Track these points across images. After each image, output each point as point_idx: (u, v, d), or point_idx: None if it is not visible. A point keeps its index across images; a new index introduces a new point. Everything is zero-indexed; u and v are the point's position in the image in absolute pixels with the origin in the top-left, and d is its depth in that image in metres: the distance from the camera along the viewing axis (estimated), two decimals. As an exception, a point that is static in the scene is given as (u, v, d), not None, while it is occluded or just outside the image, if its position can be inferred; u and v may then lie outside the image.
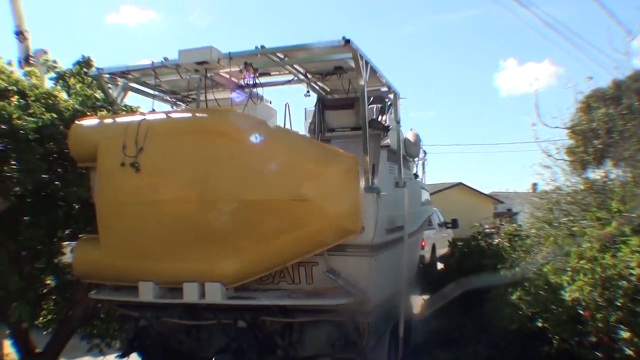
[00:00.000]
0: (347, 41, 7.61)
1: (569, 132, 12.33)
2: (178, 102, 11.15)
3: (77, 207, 10.13)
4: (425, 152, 14.42)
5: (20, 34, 12.74)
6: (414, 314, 12.93)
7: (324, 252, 7.94)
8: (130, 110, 10.65)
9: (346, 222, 7.66)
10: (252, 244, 7.91)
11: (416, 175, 13.78)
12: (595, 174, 12.34)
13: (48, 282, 10.93)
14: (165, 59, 8.70)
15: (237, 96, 9.70)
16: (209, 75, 8.85)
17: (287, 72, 9.73)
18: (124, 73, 9.56)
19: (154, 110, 9.52)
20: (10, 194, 9.61)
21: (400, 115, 10.79)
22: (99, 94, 10.66)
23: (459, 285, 11.59)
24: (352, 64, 8.31)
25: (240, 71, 8.79)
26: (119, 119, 8.95)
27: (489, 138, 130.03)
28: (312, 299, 8.12)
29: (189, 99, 11.09)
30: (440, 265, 17.34)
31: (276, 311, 8.26)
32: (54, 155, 9.79)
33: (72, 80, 10.84)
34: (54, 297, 11.32)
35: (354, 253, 8.07)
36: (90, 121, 9.16)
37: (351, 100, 10.64)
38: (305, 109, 12.14)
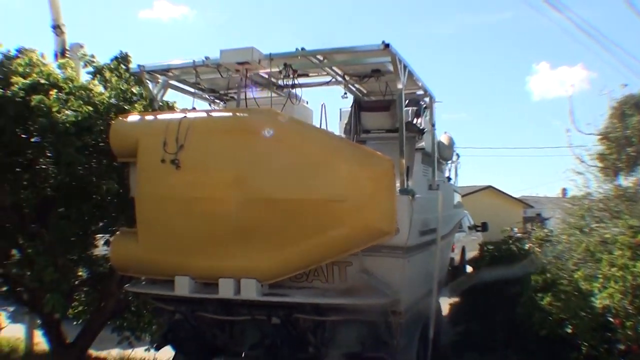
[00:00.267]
0: (387, 45, 7.93)
1: (601, 138, 12.48)
2: (216, 100, 11.47)
3: (110, 200, 10.40)
4: (458, 155, 14.64)
5: (57, 28, 13.18)
6: (443, 315, 13.24)
7: (358, 252, 8.14)
8: (167, 106, 10.98)
9: (381, 223, 7.84)
10: (288, 242, 8.12)
11: (449, 178, 14.06)
12: (627, 181, 12.51)
13: (80, 274, 11.30)
14: (207, 58, 9.02)
15: (276, 96, 10.04)
16: (248, 75, 9.14)
17: (325, 73, 10.02)
18: (164, 71, 9.90)
19: (194, 108, 9.84)
20: (46, 187, 10.06)
21: (435, 118, 11.08)
22: (135, 89, 10.97)
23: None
24: (391, 68, 8.63)
25: (280, 72, 9.12)
26: (160, 116, 9.28)
27: (520, 142, 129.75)
28: (345, 298, 8.36)
29: (227, 97, 11.39)
30: (469, 268, 17.58)
31: (309, 309, 8.48)
32: (90, 149, 10.09)
33: (108, 74, 11.10)
34: (86, 289, 11.68)
35: (388, 254, 8.28)
36: (131, 117, 9.49)
37: (387, 103, 10.97)
38: (341, 109, 12.49)
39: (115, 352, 12.63)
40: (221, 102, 11.55)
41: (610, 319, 9.20)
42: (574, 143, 12.90)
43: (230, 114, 9.52)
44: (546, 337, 10.14)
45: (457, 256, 17.31)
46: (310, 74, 10.22)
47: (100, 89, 10.84)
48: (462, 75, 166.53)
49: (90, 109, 9.88)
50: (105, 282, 11.32)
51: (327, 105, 11.21)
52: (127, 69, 11.16)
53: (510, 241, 15.15)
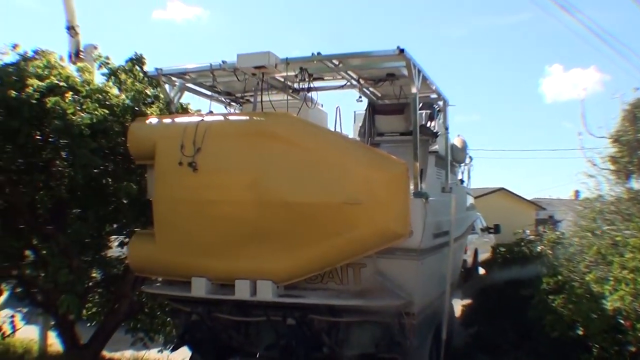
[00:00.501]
0: (402, 50, 8.22)
1: (613, 140, 12.68)
2: (232, 103, 11.75)
3: (125, 202, 10.70)
4: (471, 158, 14.92)
5: (71, 29, 13.46)
6: (455, 317, 13.51)
7: (372, 255, 8.42)
8: (181, 108, 11.23)
9: (395, 226, 8.11)
10: (304, 244, 8.40)
11: (462, 181, 14.34)
12: (639, 184, 12.48)
13: (94, 275, 11.58)
14: (224, 62, 9.31)
15: (291, 99, 10.35)
16: (265, 78, 9.44)
17: (341, 77, 10.35)
18: (182, 74, 10.22)
19: (211, 111, 10.12)
20: (61, 188, 10.34)
21: (449, 122, 11.38)
22: (149, 90, 11.28)
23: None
24: (405, 72, 8.92)
25: (296, 75, 9.45)
26: (178, 119, 9.56)
27: (532, 144, 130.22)
28: (360, 299, 8.63)
29: (243, 100, 11.67)
30: (481, 270, 17.84)
31: (324, 310, 8.78)
32: (105, 151, 10.38)
33: (123, 76, 11.40)
34: (99, 291, 11.95)
35: (402, 256, 8.56)
36: (149, 120, 9.78)
37: (401, 106, 11.29)
38: (355, 112, 12.74)
39: (128, 353, 12.83)
40: (237, 105, 11.83)
41: (621, 321, 9.32)
42: (586, 146, 13.06)
43: (247, 117, 9.82)
44: (557, 339, 10.33)
45: (469, 258, 17.50)
46: (326, 78, 10.52)
47: (115, 91, 11.10)
48: (475, 77, 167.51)
49: (106, 111, 10.15)
50: (118, 283, 11.61)
51: (342, 107, 11.49)
52: (142, 71, 11.45)
53: (522, 243, 15.44)
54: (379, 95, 11.89)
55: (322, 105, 11.45)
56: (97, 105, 10.17)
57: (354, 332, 9.11)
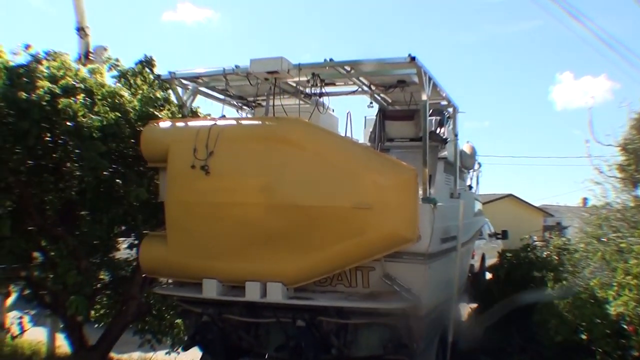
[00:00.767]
0: (413, 58, 8.57)
1: (620, 149, 12.95)
2: (244, 107, 12.12)
3: (135, 204, 10.86)
4: (480, 164, 15.24)
5: (81, 30, 13.75)
6: (462, 321, 13.88)
7: (381, 258, 8.76)
8: (190, 112, 11.35)
9: (404, 230, 8.43)
10: (314, 247, 8.73)
11: (470, 187, 14.65)
12: None
13: (103, 277, 11.87)
14: (237, 66, 9.69)
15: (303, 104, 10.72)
16: (277, 83, 9.83)
17: (352, 83, 10.67)
18: (194, 78, 10.56)
19: (224, 116, 10.48)
20: (72, 190, 10.65)
21: (458, 128, 11.75)
22: (159, 94, 11.54)
23: (513, 301, 12.27)
24: (416, 79, 9.26)
25: (308, 81, 9.84)
26: (191, 123, 9.88)
27: (541, 151, 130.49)
28: (368, 302, 8.97)
29: (254, 104, 12.05)
30: (488, 275, 18.19)
31: (333, 312, 9.11)
32: (116, 154, 10.67)
33: (137, 80, 11.69)
34: (108, 292, 12.22)
35: (410, 260, 8.87)
36: (162, 123, 10.13)
37: (411, 112, 11.65)
38: (365, 117, 13.16)
39: (136, 355, 13.12)
40: (249, 109, 12.20)
41: (625, 326, 9.64)
42: (593, 153, 13.35)
43: (259, 122, 10.13)
44: (561, 343, 10.64)
45: (477, 263, 17.79)
46: (337, 83, 10.85)
47: (125, 93, 11.31)
48: (486, 83, 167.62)
49: (119, 115, 10.42)
50: (127, 285, 11.88)
51: (352, 112, 11.89)
52: (152, 73, 11.74)
53: (529, 249, 15.83)
54: (390, 101, 12.23)
55: (333, 110, 11.74)
56: (108, 108, 10.41)
57: (362, 334, 9.38)
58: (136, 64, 11.93)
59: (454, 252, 10.84)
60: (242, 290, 9.18)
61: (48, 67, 10.47)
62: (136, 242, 11.67)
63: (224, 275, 9.38)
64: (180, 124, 10.10)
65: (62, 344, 12.92)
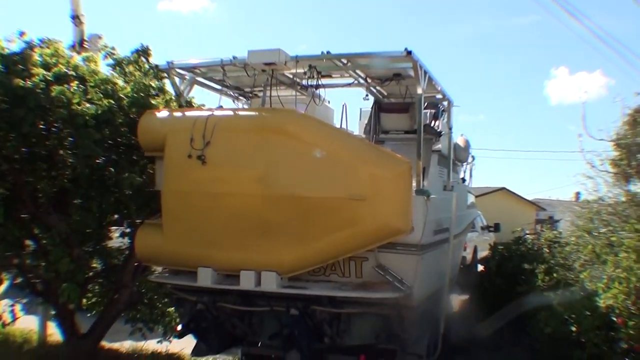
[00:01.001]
0: (409, 52, 8.96)
1: (614, 144, 13.26)
2: (240, 97, 12.43)
3: (127, 193, 11.01)
4: (473, 157, 15.62)
5: (76, 18, 13.88)
6: (454, 312, 14.24)
7: (374, 249, 9.09)
8: (186, 102, 11.66)
9: (398, 222, 8.77)
10: (308, 237, 9.06)
11: (463, 179, 15.04)
12: (637, 187, 12.90)
13: (95, 265, 12.10)
14: (234, 57, 10.00)
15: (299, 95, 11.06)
16: (274, 74, 10.14)
17: (348, 75, 11.03)
18: (192, 68, 10.88)
19: (221, 106, 10.80)
20: (64, 178, 10.82)
21: (453, 121, 12.09)
22: (154, 83, 11.68)
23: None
24: (411, 73, 9.63)
25: (305, 73, 10.11)
26: (188, 113, 10.19)
27: (535, 145, 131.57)
28: (361, 291, 9.28)
29: (251, 95, 12.35)
30: (480, 267, 18.57)
31: (326, 301, 9.43)
32: (109, 142, 10.80)
33: (130, 68, 11.76)
34: (100, 281, 12.46)
35: (403, 251, 9.20)
36: (160, 113, 10.39)
37: (406, 105, 12.02)
38: (361, 109, 13.53)
39: (128, 343, 13.32)
40: (245, 99, 12.51)
41: (614, 319, 9.91)
42: (586, 148, 13.63)
43: (256, 113, 10.46)
44: (551, 335, 10.93)
45: (469, 255, 18.00)
46: (334, 75, 11.21)
47: (120, 82, 11.47)
48: (481, 77, 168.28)
49: (112, 102, 10.52)
50: (119, 274, 12.09)
51: (348, 104, 12.27)
52: (148, 62, 11.90)
53: (520, 242, 16.25)
54: (385, 93, 12.63)
55: (329, 102, 12.09)
56: (101, 95, 10.54)
57: (354, 323, 9.68)
58: (132, 53, 12.02)
59: (446, 244, 11.15)
60: (236, 279, 9.48)
61: (41, 55, 10.63)
62: (128, 230, 11.95)
63: (219, 264, 9.68)
64: (177, 113, 10.38)
65: (54, 332, 13.11)
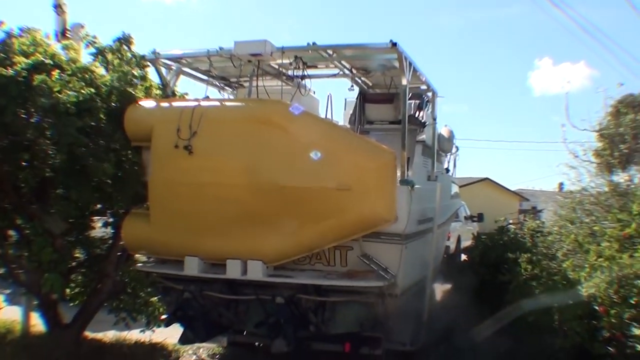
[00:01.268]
0: (394, 44, 9.37)
1: (597, 135, 13.58)
2: (226, 87, 12.79)
3: (108, 182, 10.90)
4: (457, 148, 16.15)
5: (58, 7, 13.93)
6: (437, 300, 14.63)
7: (359, 238, 9.50)
8: (172, 93, 11.94)
9: (382, 211, 9.20)
10: (294, 227, 9.47)
11: (447, 170, 15.49)
12: (619, 177, 13.54)
13: (78, 255, 12.25)
14: (221, 48, 10.36)
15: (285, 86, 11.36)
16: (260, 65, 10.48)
17: (334, 66, 11.38)
18: (178, 58, 11.22)
19: (207, 97, 11.05)
20: (46, 167, 10.80)
21: (437, 112, 12.50)
22: (136, 71, 11.74)
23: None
24: (396, 64, 10.03)
25: (290, 63, 10.55)
26: (175, 104, 10.52)
27: (519, 136, 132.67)
28: (346, 280, 9.71)
29: (236, 85, 12.71)
30: (463, 257, 19.01)
31: (312, 290, 9.85)
32: (89, 130, 10.68)
33: (110, 56, 11.72)
34: (83, 271, 12.57)
35: (387, 240, 9.64)
36: (147, 103, 10.65)
37: (391, 96, 12.46)
38: (345, 99, 13.98)
39: (111, 333, 13.39)
40: (230, 89, 12.88)
41: (596, 307, 10.08)
42: (569, 138, 13.97)
43: (242, 103, 10.83)
44: (535, 324, 11.19)
45: (452, 245, 18.68)
46: (319, 66, 11.55)
47: (102, 71, 11.50)
48: (464, 67, 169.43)
49: (92, 90, 10.57)
50: (102, 263, 12.18)
51: (333, 94, 12.63)
52: (130, 51, 11.88)
53: (503, 231, 16.63)
54: (370, 84, 13.03)
55: (314, 92, 12.43)
56: (83, 84, 10.62)
57: (339, 312, 10.07)
58: (114, 41, 11.93)
59: (430, 233, 11.56)
60: (223, 268, 9.86)
61: (20, 44, 10.65)
62: (112, 220, 12.10)
63: (205, 253, 10.06)
64: (164, 104, 10.70)
65: (37, 323, 13.17)
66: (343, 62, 11.38)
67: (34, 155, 10.71)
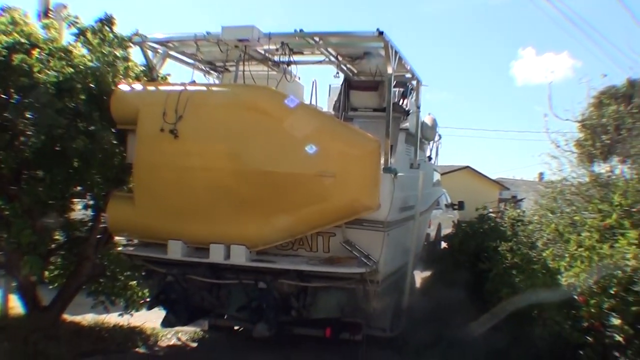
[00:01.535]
0: (381, 33, 9.72)
1: (579, 125, 13.93)
2: (211, 72, 13.10)
3: (88, 164, 11.11)
4: (440, 136, 16.54)
5: None
6: (417, 287, 15.01)
7: (342, 225, 9.88)
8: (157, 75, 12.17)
9: (365, 198, 9.57)
10: (277, 212, 9.79)
11: (430, 157, 15.85)
12: (601, 168, 13.85)
13: (57, 237, 12.38)
14: (208, 32, 10.65)
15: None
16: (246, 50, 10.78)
17: (319, 53, 11.72)
18: (165, 42, 11.50)
19: (194, 81, 11.42)
20: (24, 149, 10.89)
21: (421, 100, 12.87)
22: (119, 52, 11.95)
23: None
24: (382, 52, 10.36)
25: (277, 49, 10.86)
26: (161, 87, 10.78)
27: (500, 125, 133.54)
28: (328, 266, 10.06)
29: (222, 69, 12.99)
30: (444, 244, 19.46)
31: (294, 275, 10.17)
32: (68, 110, 10.86)
33: (90, 36, 11.85)
34: (62, 253, 12.75)
35: (369, 227, 10.02)
36: (133, 86, 10.92)
37: (376, 83, 12.82)
38: (330, 85, 14.33)
39: (90, 316, 13.55)
40: (216, 73, 13.20)
41: (575, 297, 10.27)
42: (552, 128, 14.31)
43: (228, 89, 11.10)
44: (514, 312, 11.32)
45: (433, 232, 18.85)
46: (305, 52, 11.87)
47: (83, 51, 11.67)
48: (447, 56, 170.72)
49: (72, 70, 10.76)
50: (81, 246, 12.37)
51: (317, 81, 13.15)
52: (112, 31, 12.05)
53: (483, 219, 17.12)
54: (355, 71, 13.32)
55: (299, 78, 12.82)
56: (63, 63, 10.82)
57: (321, 297, 10.43)
58: (96, 22, 12.11)
59: (411, 221, 11.90)
60: (206, 252, 10.19)
61: None
62: (92, 202, 12.28)
63: (189, 237, 10.38)
64: (150, 87, 10.99)
65: (16, 305, 13.33)
66: (329, 49, 11.69)
67: (14, 136, 10.76)
